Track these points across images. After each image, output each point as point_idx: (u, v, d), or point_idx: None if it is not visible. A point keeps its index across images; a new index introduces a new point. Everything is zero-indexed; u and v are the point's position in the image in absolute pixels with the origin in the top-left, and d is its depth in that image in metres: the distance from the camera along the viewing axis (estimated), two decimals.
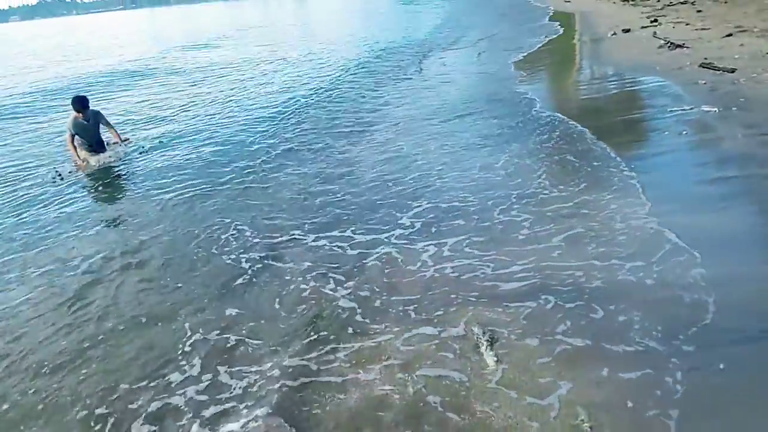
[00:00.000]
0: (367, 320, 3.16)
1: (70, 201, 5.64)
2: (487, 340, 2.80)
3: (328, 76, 11.84)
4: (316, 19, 36.76)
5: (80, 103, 6.29)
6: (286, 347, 3.00)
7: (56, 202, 5.62)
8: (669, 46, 9.39)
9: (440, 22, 23.02)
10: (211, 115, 9.19)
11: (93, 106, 6.73)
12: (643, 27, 11.98)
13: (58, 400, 2.79)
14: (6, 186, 6.26)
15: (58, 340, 3.29)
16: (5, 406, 2.79)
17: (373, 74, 11.74)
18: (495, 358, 2.68)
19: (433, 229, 4.19)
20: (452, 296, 3.29)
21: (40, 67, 19.83)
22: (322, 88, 10.50)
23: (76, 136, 6.43)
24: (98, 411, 2.69)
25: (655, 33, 10.83)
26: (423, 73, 11.41)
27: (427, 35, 18.42)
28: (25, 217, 5.29)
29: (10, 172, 6.76)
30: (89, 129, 6.46)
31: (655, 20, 12.41)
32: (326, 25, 28.67)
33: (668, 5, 14.68)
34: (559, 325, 2.91)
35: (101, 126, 6.69)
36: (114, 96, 11.86)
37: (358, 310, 3.27)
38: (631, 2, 16.96)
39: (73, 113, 6.35)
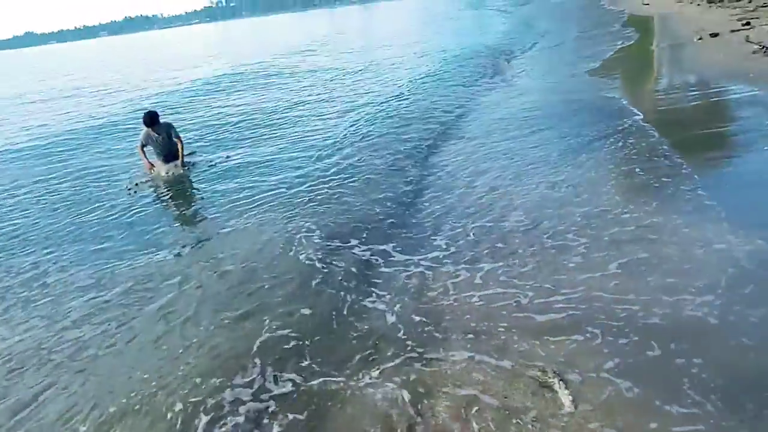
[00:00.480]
0: (422, 345, 3.02)
1: (146, 209, 5.93)
2: (561, 379, 2.56)
3: (400, 84, 11.76)
4: (387, 27, 36.96)
5: (150, 118, 6.63)
6: (342, 367, 2.94)
7: (134, 210, 5.90)
8: (765, 52, 8.51)
9: (511, 27, 22.50)
10: (281, 121, 9.51)
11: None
12: (733, 31, 10.93)
13: (158, 397, 2.91)
14: (91, 193, 6.71)
15: (153, 342, 3.41)
16: (115, 400, 2.92)
17: (446, 83, 11.47)
18: (571, 398, 2.44)
19: (485, 251, 3.97)
20: (504, 325, 3.08)
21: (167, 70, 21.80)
22: (394, 97, 10.42)
23: (150, 147, 6.83)
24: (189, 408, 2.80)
25: (747, 37, 9.86)
26: (493, 82, 11.09)
27: (498, 41, 17.97)
28: (107, 223, 5.65)
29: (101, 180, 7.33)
30: (160, 141, 6.81)
31: (747, 23, 11.30)
32: (398, 32, 28.40)
33: (761, 6, 13.32)
34: (606, 362, 2.63)
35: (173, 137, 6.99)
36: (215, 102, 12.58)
37: (411, 333, 3.14)
38: (717, 3, 15.60)
39: (145, 128, 6.71)
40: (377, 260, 4.10)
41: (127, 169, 7.46)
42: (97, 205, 6.20)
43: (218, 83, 15.61)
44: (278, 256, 4.34)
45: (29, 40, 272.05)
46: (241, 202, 5.73)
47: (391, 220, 4.80)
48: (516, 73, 11.88)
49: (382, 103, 10.01)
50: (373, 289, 3.70)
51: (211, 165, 7.28)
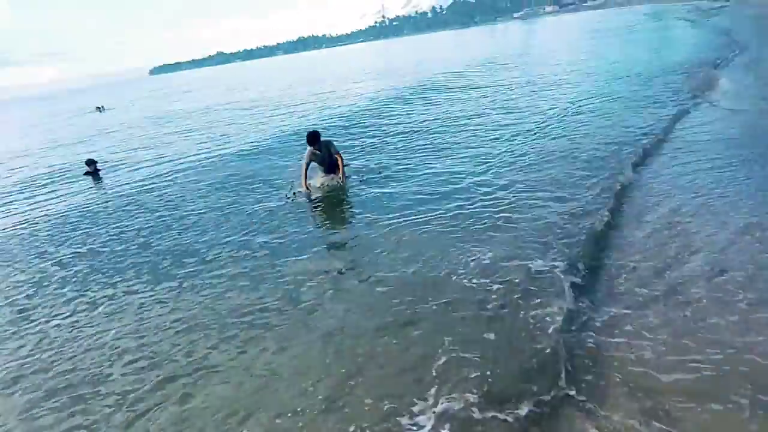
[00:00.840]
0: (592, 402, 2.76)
1: (302, 217, 6.35)
2: None
3: (574, 101, 11.19)
4: (556, 42, 35.34)
5: (312, 137, 7.23)
6: (526, 398, 2.79)
7: (290, 217, 6.35)
8: None
9: (703, 39, 20.19)
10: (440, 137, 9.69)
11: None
12: None
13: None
14: (256, 199, 7.44)
15: (316, 358, 3.39)
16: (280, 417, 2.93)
17: (630, 102, 10.42)
18: None
19: (654, 293, 3.65)
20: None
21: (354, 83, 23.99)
22: (566, 115, 9.98)
23: (314, 164, 7.46)
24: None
25: None
26: (686, 101, 9.84)
27: (691, 55, 16.06)
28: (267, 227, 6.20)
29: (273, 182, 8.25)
30: (322, 157, 7.43)
31: None
32: (575, 48, 26.84)
33: None
34: None
35: (333, 154, 7.50)
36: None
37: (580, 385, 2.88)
38: None
39: (309, 147, 7.30)
40: (550, 287, 3.85)
41: (290, 179, 8.06)
42: (259, 208, 6.85)
43: (383, 99, 16.36)
44: (445, 275, 4.21)
45: (220, 59, 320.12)
46: (400, 215, 5.76)
47: (563, 241, 4.55)
48: (716, 92, 10.42)
49: (550, 121, 9.66)
50: (547, 318, 3.47)
51: (370, 177, 7.59)
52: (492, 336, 3.34)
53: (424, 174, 7.41)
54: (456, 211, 5.66)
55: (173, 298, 4.57)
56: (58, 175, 11.74)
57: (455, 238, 4.95)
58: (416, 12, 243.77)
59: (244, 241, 5.70)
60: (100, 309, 4.60)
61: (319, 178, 7.51)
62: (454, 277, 4.17)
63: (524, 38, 46.64)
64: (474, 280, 4.07)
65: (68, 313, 4.61)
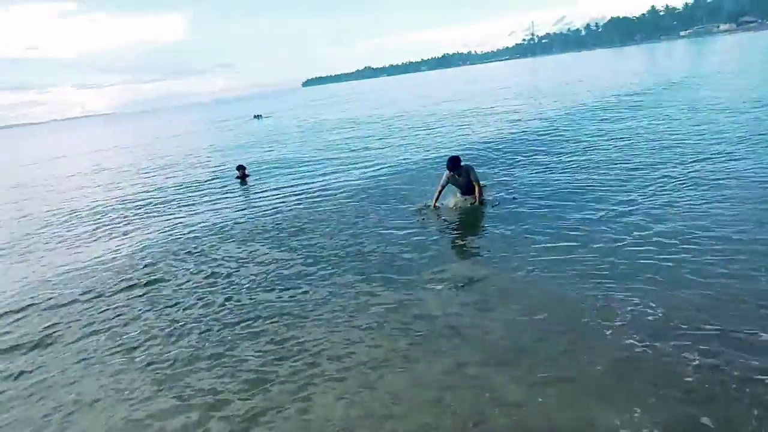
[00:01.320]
0: None
1: (432, 237, 6.32)
2: None
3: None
4: (733, 65, 30.69)
5: (452, 163, 7.21)
6: None
7: (418, 236, 6.32)
8: None
9: None
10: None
11: None
12: None
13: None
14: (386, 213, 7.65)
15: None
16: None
17: None
18: None
19: None
20: None
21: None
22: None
23: (451, 186, 7.45)
24: None
25: None
26: None
27: None
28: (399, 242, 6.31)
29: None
30: (460, 182, 7.39)
31: None
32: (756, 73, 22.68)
33: None
34: None
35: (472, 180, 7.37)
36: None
37: None
38: None
39: (447, 171, 7.31)
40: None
41: (422, 195, 8.06)
42: (390, 225, 6.92)
43: (546, 118, 15.74)
44: (595, 327, 3.71)
45: (368, 73, 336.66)
46: (532, 246, 5.37)
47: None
48: None
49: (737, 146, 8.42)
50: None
51: (506, 204, 7.23)
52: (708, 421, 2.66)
53: (572, 198, 6.96)
54: (606, 247, 5.06)
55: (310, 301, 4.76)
56: (216, 178, 13.04)
57: (602, 279, 4.41)
58: (568, 29, 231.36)
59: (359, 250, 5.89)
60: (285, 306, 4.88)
61: (453, 198, 7.53)
62: (608, 333, 3.60)
63: (693, 59, 41.71)
64: (635, 342, 3.43)
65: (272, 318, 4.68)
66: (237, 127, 34.24)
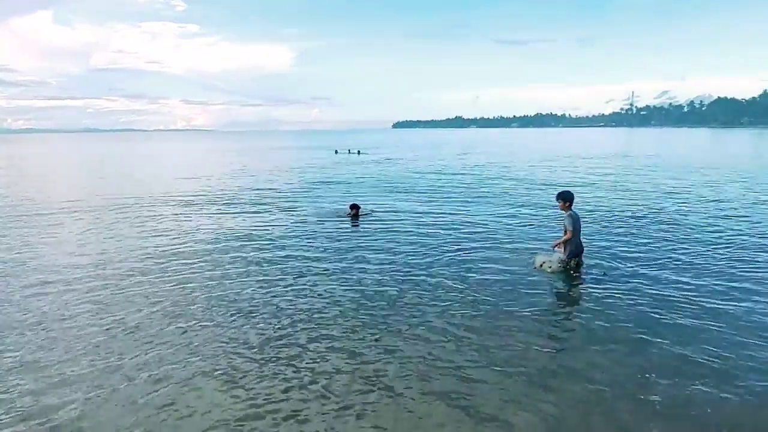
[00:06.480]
0: None
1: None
2: None
3: None
4: None
5: (568, 197, 6.94)
6: None
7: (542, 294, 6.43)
8: None
9: None
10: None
11: None
12: None
13: None
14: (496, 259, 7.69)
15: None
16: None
17: None
18: None
19: None
20: None
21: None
22: None
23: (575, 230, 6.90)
24: None
25: None
26: None
27: None
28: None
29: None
30: (579, 222, 6.96)
31: None
32: None
33: None
34: None
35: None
36: None
37: None
38: None
39: (568, 211, 6.90)
40: None
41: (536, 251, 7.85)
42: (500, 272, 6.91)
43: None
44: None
45: (457, 122, 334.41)
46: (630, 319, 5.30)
47: None
48: None
49: None
50: None
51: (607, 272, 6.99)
52: None
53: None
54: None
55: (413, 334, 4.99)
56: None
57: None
58: (670, 104, 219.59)
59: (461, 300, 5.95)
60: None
61: (556, 258, 7.00)
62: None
63: None
64: None
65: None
66: (330, 157, 35.63)
